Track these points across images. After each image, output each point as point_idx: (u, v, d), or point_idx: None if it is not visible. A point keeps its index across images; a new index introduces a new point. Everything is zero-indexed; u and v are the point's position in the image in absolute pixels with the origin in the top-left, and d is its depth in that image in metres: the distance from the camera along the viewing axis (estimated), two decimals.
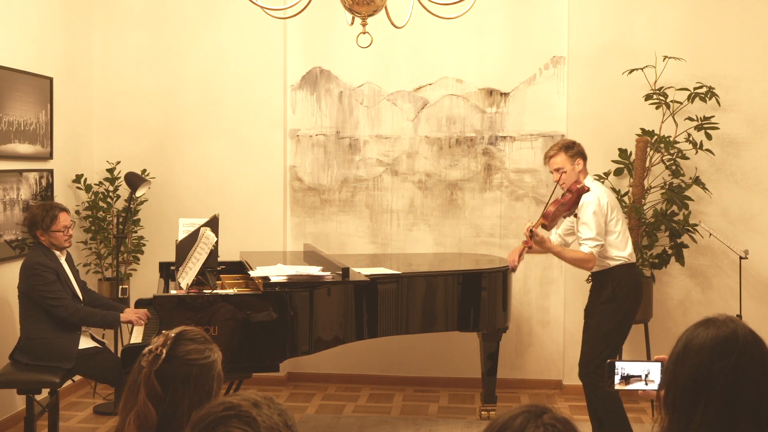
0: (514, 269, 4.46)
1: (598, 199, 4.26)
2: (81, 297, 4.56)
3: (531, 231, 4.18)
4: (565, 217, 4.40)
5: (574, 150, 4.38)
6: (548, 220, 4.26)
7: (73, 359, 4.33)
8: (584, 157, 4.42)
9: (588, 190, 4.24)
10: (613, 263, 4.31)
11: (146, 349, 1.91)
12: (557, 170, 4.38)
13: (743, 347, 1.65)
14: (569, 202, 4.24)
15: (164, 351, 1.86)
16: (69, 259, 4.63)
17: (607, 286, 4.32)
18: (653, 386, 2.06)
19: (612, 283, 4.31)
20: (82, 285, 4.68)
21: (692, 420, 1.62)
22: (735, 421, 1.61)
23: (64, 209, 4.52)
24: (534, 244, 4.21)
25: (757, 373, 1.64)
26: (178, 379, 1.85)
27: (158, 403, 1.83)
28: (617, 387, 2.08)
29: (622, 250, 4.31)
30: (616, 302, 4.30)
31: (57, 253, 4.47)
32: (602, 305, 4.32)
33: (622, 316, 4.33)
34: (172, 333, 1.91)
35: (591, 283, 4.51)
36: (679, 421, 1.64)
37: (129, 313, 4.49)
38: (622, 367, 2.07)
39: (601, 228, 4.24)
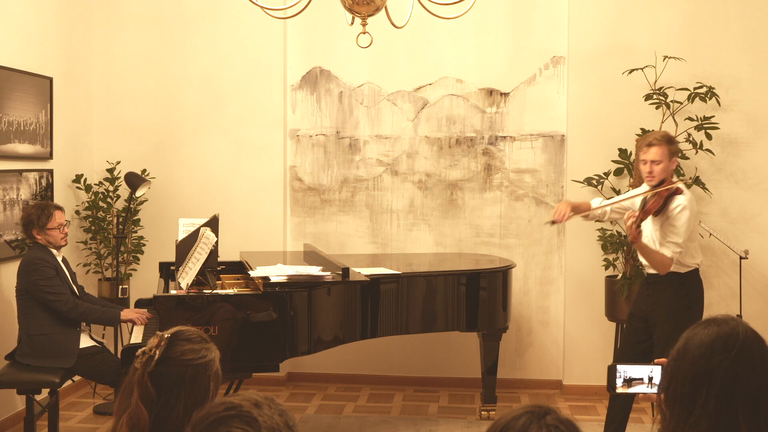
0: (554, 222, 4.28)
1: (691, 204, 4.06)
2: (78, 296, 4.58)
3: (639, 228, 3.94)
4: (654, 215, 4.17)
5: (675, 146, 4.14)
6: (647, 217, 4.05)
7: (74, 356, 4.34)
8: (677, 157, 4.22)
9: (682, 192, 4.06)
10: (684, 270, 4.13)
11: (140, 350, 1.90)
12: (653, 162, 4.06)
13: (743, 342, 1.67)
14: (659, 203, 4.03)
15: (157, 352, 1.85)
16: (65, 262, 4.64)
17: (681, 292, 4.12)
18: (654, 389, 2.06)
19: (686, 290, 4.12)
20: (80, 289, 4.70)
21: (692, 413, 1.64)
22: (734, 414, 1.63)
23: (59, 207, 4.57)
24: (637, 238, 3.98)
25: (756, 368, 1.66)
26: (172, 380, 1.83)
27: (151, 405, 1.82)
28: (620, 390, 2.08)
29: (697, 258, 4.17)
30: (692, 308, 4.10)
31: (54, 252, 4.51)
32: (682, 312, 4.05)
33: (694, 322, 4.21)
34: (167, 334, 1.89)
35: (650, 285, 4.23)
36: (680, 414, 1.66)
37: (130, 312, 4.52)
38: (624, 370, 2.08)
39: (687, 234, 4.05)
